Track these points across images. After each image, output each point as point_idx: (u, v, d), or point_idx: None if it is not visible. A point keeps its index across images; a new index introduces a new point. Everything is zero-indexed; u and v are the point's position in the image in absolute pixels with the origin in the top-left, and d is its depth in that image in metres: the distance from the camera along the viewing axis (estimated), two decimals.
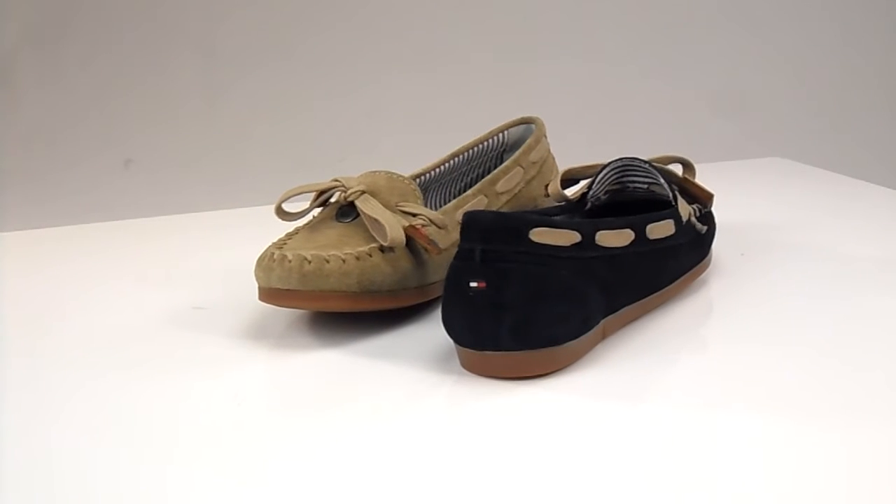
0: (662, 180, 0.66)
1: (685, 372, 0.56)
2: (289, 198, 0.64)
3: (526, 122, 0.81)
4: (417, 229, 0.62)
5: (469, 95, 1.29)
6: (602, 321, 0.57)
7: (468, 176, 0.79)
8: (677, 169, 0.72)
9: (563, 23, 1.33)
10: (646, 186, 0.70)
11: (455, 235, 0.62)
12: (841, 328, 0.61)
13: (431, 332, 0.60)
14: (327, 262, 0.58)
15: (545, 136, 0.80)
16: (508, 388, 0.52)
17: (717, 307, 0.66)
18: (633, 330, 0.60)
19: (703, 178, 0.72)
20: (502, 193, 0.73)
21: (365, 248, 0.61)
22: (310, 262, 0.58)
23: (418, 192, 0.67)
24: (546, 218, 0.54)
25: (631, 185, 0.70)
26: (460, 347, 0.54)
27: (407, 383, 0.54)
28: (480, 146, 0.80)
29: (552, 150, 0.79)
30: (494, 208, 0.72)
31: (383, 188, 0.65)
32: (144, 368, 0.57)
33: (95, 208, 0.97)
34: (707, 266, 0.69)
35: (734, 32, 1.41)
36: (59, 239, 0.91)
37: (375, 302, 0.61)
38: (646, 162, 0.67)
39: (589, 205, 0.70)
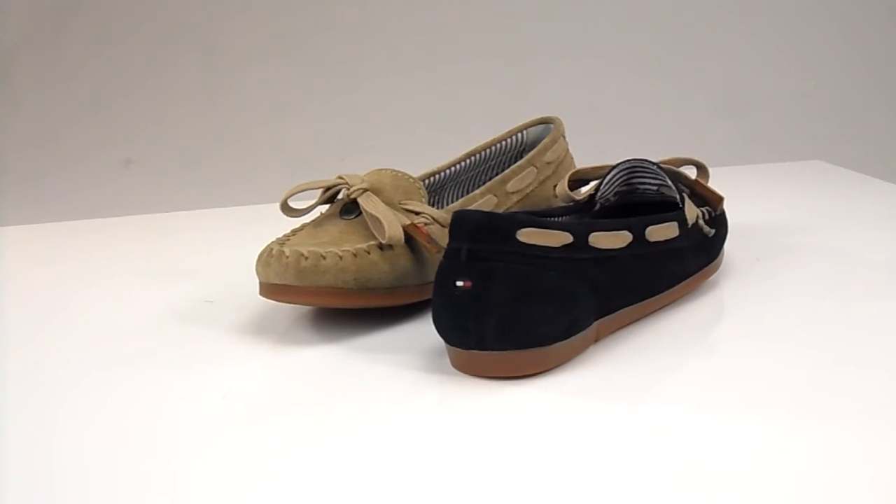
0: (670, 182, 0.66)
1: (679, 374, 0.55)
2: (293, 194, 0.65)
3: (545, 121, 0.81)
4: (418, 227, 0.63)
5: (469, 95, 1.29)
6: (595, 323, 0.57)
7: (486, 175, 0.79)
8: (691, 172, 0.71)
9: (568, 23, 1.33)
10: (655, 188, 0.69)
11: None
12: (845, 332, 0.60)
13: (429, 329, 0.60)
14: (324, 258, 0.59)
15: (563, 137, 0.79)
16: (498, 387, 0.52)
17: (719, 310, 0.66)
18: (632, 332, 0.60)
19: (736, 180, 0.71)
20: (513, 193, 0.73)
21: (363, 246, 0.61)
22: (306, 258, 0.59)
23: (423, 191, 0.67)
24: (535, 218, 0.53)
25: (641, 186, 0.69)
26: (449, 346, 0.54)
27: (397, 382, 0.54)
28: (498, 145, 0.80)
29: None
30: (504, 208, 0.72)
31: (388, 186, 0.66)
32: (144, 363, 0.58)
33: (95, 208, 0.99)
34: (716, 269, 0.68)
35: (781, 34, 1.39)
36: (63, 234, 0.93)
37: (373, 299, 0.61)
38: (654, 163, 0.66)
39: (598, 206, 0.69)
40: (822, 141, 1.29)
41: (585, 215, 0.69)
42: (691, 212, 0.64)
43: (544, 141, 0.77)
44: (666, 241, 0.61)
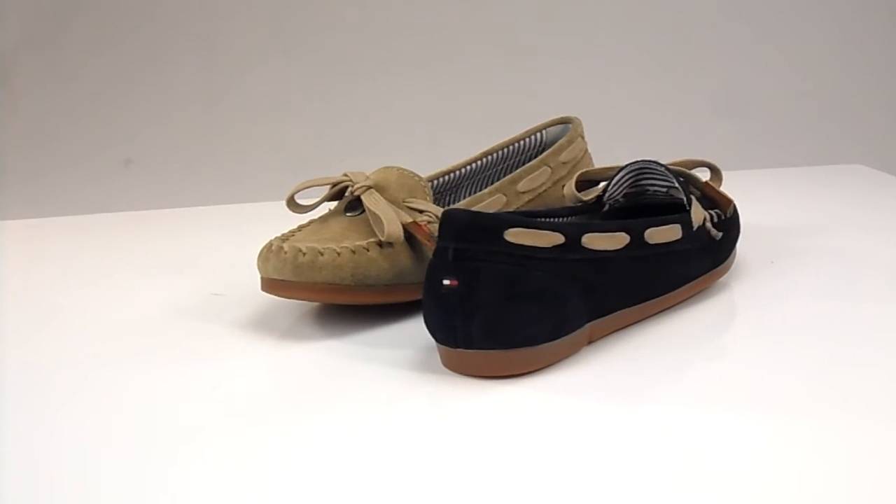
0: (677, 184, 0.65)
1: (677, 375, 0.55)
2: (299, 190, 0.66)
3: (564, 121, 0.81)
4: (419, 225, 0.63)
5: (469, 95, 1.28)
6: (588, 325, 0.56)
7: (503, 174, 0.79)
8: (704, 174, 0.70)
9: (568, 23, 1.31)
10: (665, 190, 0.68)
11: None
12: (848, 333, 0.60)
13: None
14: (321, 254, 0.60)
15: (581, 137, 0.79)
16: (489, 386, 0.53)
17: (724, 312, 0.65)
18: (631, 333, 0.60)
19: (769, 182, 0.70)
20: (524, 193, 0.73)
21: (363, 243, 0.62)
22: (304, 253, 0.59)
23: (428, 189, 0.67)
24: (523, 218, 0.53)
25: (651, 188, 0.69)
26: (438, 345, 0.55)
27: (390, 382, 0.54)
28: (516, 145, 0.80)
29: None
30: (513, 208, 0.72)
31: (393, 184, 0.66)
32: (144, 360, 0.59)
33: (95, 208, 1.01)
34: (725, 271, 0.68)
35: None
36: (65, 229, 0.94)
37: (371, 296, 0.62)
38: (662, 165, 0.66)
39: (606, 207, 0.69)
40: (824, 142, 1.27)
41: (594, 216, 0.69)
42: (698, 214, 0.63)
43: (560, 141, 0.77)
44: (667, 244, 0.61)
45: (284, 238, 0.63)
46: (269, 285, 0.61)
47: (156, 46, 1.25)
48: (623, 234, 0.58)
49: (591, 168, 0.70)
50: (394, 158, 0.69)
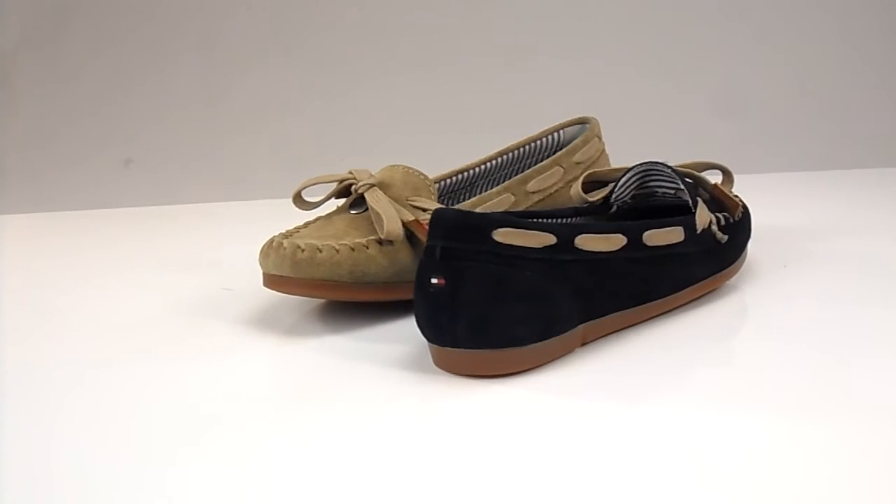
0: (682, 186, 0.64)
1: (673, 376, 0.54)
2: (306, 187, 0.67)
3: (582, 121, 0.80)
4: (420, 224, 0.63)
5: (469, 95, 1.27)
6: (581, 326, 0.56)
7: (518, 174, 0.79)
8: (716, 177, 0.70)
9: (568, 24, 1.30)
10: (673, 192, 0.68)
11: None
12: (849, 336, 0.59)
13: None
14: (320, 251, 0.60)
15: (598, 137, 0.79)
16: (480, 386, 0.53)
17: (728, 315, 0.64)
18: (628, 335, 0.59)
19: (783, 186, 0.69)
20: (534, 193, 0.72)
21: (362, 240, 0.62)
22: (303, 250, 0.60)
23: (433, 188, 0.67)
24: (513, 219, 0.53)
25: (659, 190, 0.68)
26: (428, 343, 0.55)
27: (383, 380, 0.55)
28: (532, 144, 0.80)
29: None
30: (522, 207, 0.72)
31: (397, 182, 0.67)
32: (144, 355, 0.60)
33: (96, 208, 1.02)
34: (732, 274, 0.67)
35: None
36: (68, 225, 0.96)
37: (369, 293, 0.62)
38: (668, 167, 0.65)
39: (614, 208, 0.69)
40: (825, 143, 1.24)
41: (601, 217, 0.68)
42: (703, 217, 0.63)
43: (575, 141, 0.77)
44: (668, 246, 0.60)
45: (287, 235, 0.64)
46: (270, 281, 0.62)
47: (156, 46, 1.26)
48: (620, 235, 0.57)
49: (598, 169, 0.70)
50: (394, 158, 0.69)
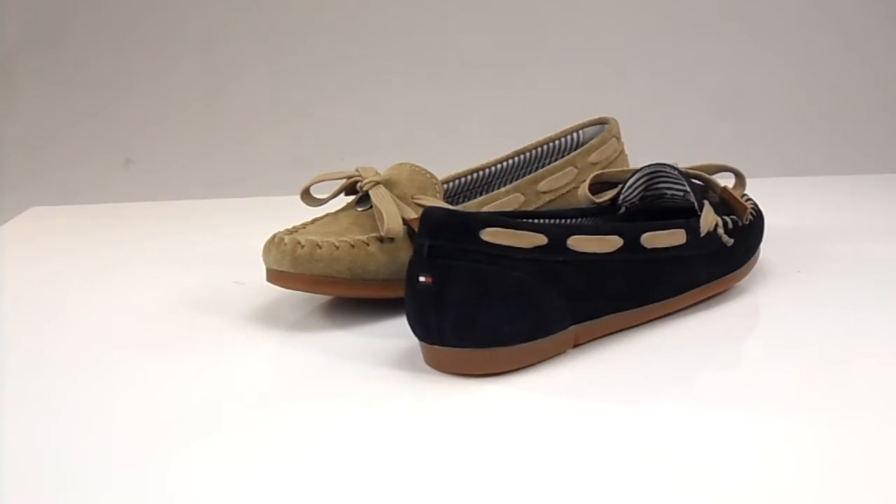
0: (688, 188, 0.64)
1: (667, 377, 0.54)
2: (313, 184, 0.68)
3: (602, 122, 0.80)
4: None
5: (469, 96, 1.26)
6: (573, 327, 0.56)
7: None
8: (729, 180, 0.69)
9: (568, 24, 1.28)
10: (682, 194, 0.67)
11: None
12: (849, 339, 0.59)
13: None
14: (319, 247, 0.61)
15: (616, 138, 0.78)
16: (471, 385, 0.53)
17: (732, 318, 0.63)
18: (626, 337, 0.59)
19: (801, 190, 0.68)
20: (545, 193, 0.72)
21: (363, 237, 0.63)
22: (303, 246, 0.61)
23: (439, 187, 0.68)
24: (502, 218, 0.53)
25: (669, 192, 0.68)
26: (418, 341, 0.55)
27: (374, 378, 0.55)
28: (551, 144, 0.79)
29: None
30: (532, 207, 0.72)
31: (403, 180, 0.67)
32: (145, 352, 0.60)
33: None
34: (737, 279, 0.66)
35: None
36: (70, 222, 0.97)
37: (368, 290, 0.63)
38: (675, 168, 0.65)
39: (623, 209, 0.68)
40: (826, 144, 1.21)
41: (610, 218, 0.68)
42: (708, 220, 0.62)
43: (592, 142, 0.76)
44: (668, 249, 0.60)
45: (291, 231, 0.64)
46: (271, 276, 0.63)
47: (156, 46, 1.27)
48: (616, 237, 0.57)
49: (606, 170, 0.69)
50: (394, 158, 0.70)
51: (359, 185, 0.66)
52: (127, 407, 0.52)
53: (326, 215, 0.68)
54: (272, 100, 1.29)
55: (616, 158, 0.77)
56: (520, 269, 0.53)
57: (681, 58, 1.26)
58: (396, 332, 0.60)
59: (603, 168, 0.75)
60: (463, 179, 0.76)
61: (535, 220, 0.61)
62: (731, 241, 0.64)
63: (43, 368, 0.58)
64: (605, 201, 0.67)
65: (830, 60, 1.26)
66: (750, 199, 0.71)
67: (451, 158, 0.76)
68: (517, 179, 0.78)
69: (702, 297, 0.63)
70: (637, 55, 1.27)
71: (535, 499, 0.41)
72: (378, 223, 0.63)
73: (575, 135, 0.80)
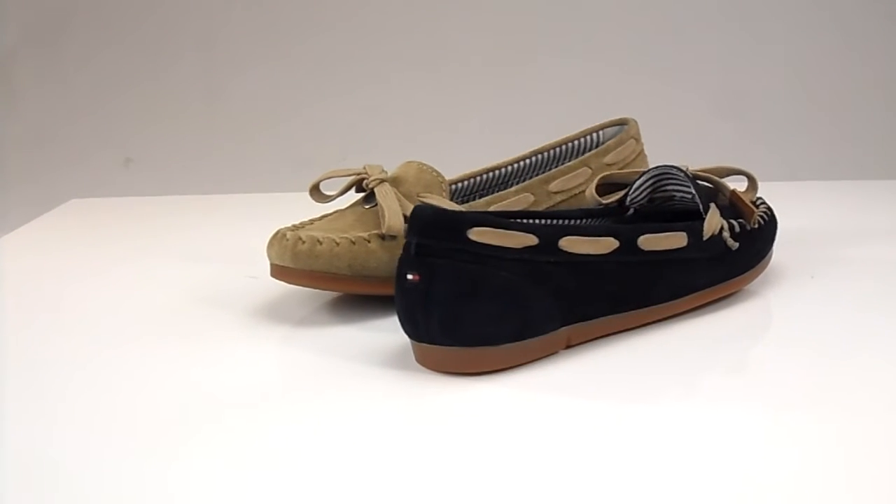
0: (693, 190, 0.63)
1: (658, 378, 0.54)
2: (322, 180, 0.68)
3: (622, 122, 0.79)
4: None
5: (469, 95, 1.25)
6: (564, 329, 0.56)
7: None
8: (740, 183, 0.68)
9: (568, 24, 1.26)
10: (691, 196, 0.66)
11: None
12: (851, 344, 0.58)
13: None
14: (320, 243, 0.62)
15: (635, 139, 0.78)
16: (460, 383, 0.53)
17: (738, 322, 0.62)
18: (627, 338, 0.59)
19: (820, 194, 0.67)
20: (556, 193, 0.72)
21: (364, 234, 0.63)
22: (304, 242, 0.62)
23: (445, 185, 0.68)
24: (491, 218, 0.53)
25: (678, 193, 0.67)
26: (409, 338, 0.56)
27: (371, 378, 0.55)
28: (570, 145, 0.79)
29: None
30: (542, 207, 0.72)
31: (410, 178, 0.67)
32: (145, 348, 0.61)
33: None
34: (743, 283, 0.65)
35: None
36: (72, 219, 0.98)
37: (368, 286, 0.63)
38: (682, 171, 0.64)
39: (631, 211, 0.68)
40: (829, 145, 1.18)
41: (618, 220, 0.68)
42: (712, 223, 0.61)
43: (608, 142, 0.76)
44: (667, 251, 0.59)
45: (296, 227, 0.65)
46: (274, 271, 0.64)
47: (155, 46, 1.28)
48: (611, 239, 0.57)
49: (614, 171, 0.69)
50: (394, 158, 0.70)
51: (364, 182, 0.67)
52: (123, 405, 0.52)
53: (335, 212, 0.69)
54: (272, 99, 1.30)
55: (634, 160, 0.77)
56: (508, 269, 0.53)
57: (681, 58, 1.24)
58: (380, 324, 0.62)
59: (619, 170, 0.75)
60: (478, 178, 0.76)
61: (527, 221, 0.61)
62: (737, 244, 0.63)
63: (42, 366, 0.58)
64: (612, 203, 0.67)
65: (830, 61, 1.23)
66: (764, 203, 0.70)
67: (451, 158, 0.76)
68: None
69: (705, 301, 0.63)
70: (637, 55, 1.26)
71: (525, 497, 0.41)
72: (381, 220, 0.64)
73: (595, 135, 0.79)
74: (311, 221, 0.67)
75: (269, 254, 0.64)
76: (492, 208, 0.69)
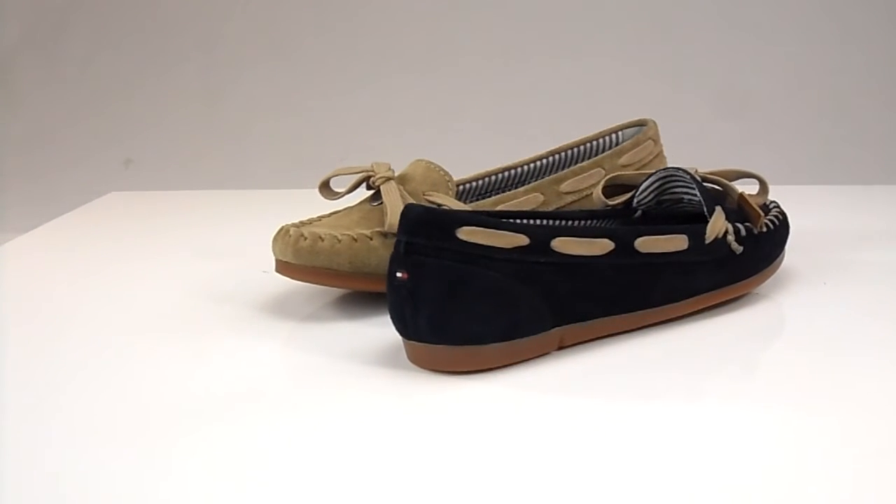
0: (698, 193, 0.62)
1: (650, 379, 0.54)
2: (332, 177, 0.69)
3: (641, 123, 0.79)
4: None
5: (469, 95, 1.23)
6: (556, 330, 0.56)
7: None
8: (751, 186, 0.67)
9: (568, 24, 1.24)
10: (698, 199, 0.66)
11: None
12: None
13: None
14: (321, 240, 0.62)
15: (653, 140, 0.77)
16: (457, 382, 0.53)
17: (740, 326, 0.62)
18: (626, 339, 0.59)
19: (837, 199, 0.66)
20: (567, 193, 0.72)
21: (366, 231, 0.64)
22: (305, 238, 0.62)
23: (452, 185, 0.68)
24: (482, 217, 0.54)
25: (686, 196, 0.66)
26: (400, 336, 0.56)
27: (369, 374, 0.56)
28: (588, 145, 0.79)
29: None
30: (553, 207, 0.71)
31: (417, 177, 0.68)
32: (146, 345, 0.62)
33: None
34: (748, 288, 0.64)
35: None
36: (72, 217, 0.99)
37: (368, 283, 0.64)
38: (688, 173, 0.63)
39: (639, 212, 0.67)
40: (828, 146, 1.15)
41: (625, 221, 0.67)
42: (716, 226, 0.61)
43: (624, 143, 0.75)
44: (666, 254, 0.59)
45: (301, 224, 0.66)
46: (278, 266, 0.65)
47: (156, 46, 1.29)
48: (606, 240, 0.57)
49: (621, 173, 0.68)
50: (394, 158, 0.70)
51: (371, 179, 0.67)
52: (123, 402, 0.53)
53: (344, 209, 0.70)
54: (272, 99, 1.31)
55: (651, 161, 0.76)
56: (497, 268, 0.53)
57: (682, 58, 1.22)
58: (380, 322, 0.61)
59: (637, 170, 0.74)
60: (493, 178, 0.76)
61: (519, 221, 0.61)
62: (741, 248, 0.62)
63: (44, 364, 0.59)
64: (619, 204, 0.66)
65: (834, 62, 1.21)
66: (777, 206, 0.68)
67: (451, 158, 0.75)
68: None
69: (707, 304, 0.62)
70: (640, 56, 1.24)
71: (515, 496, 0.42)
72: (384, 218, 0.64)
73: (613, 136, 0.79)
74: (320, 218, 0.68)
75: (273, 249, 0.65)
76: (499, 208, 0.69)
